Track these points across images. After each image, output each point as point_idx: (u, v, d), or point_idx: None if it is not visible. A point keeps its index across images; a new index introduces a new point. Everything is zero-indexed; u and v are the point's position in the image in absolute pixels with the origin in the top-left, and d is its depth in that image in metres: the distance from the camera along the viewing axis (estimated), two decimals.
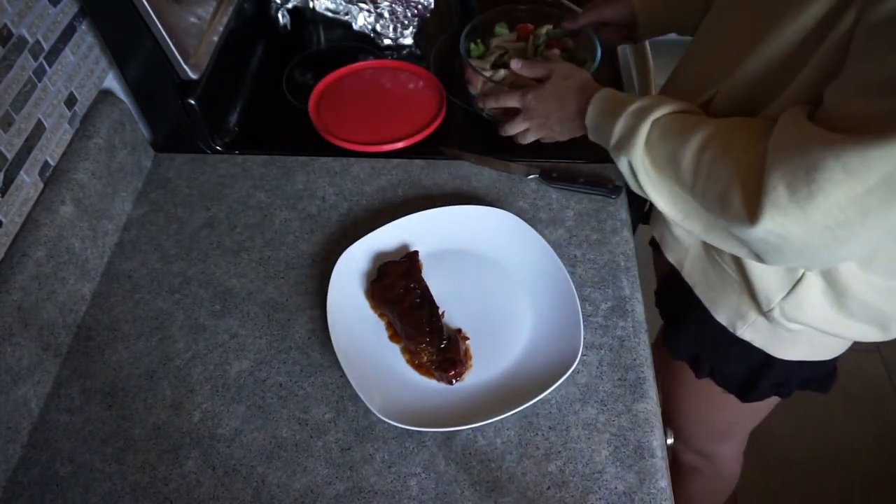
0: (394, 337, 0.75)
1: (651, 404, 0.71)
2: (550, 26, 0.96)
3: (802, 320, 0.69)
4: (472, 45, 0.96)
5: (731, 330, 0.77)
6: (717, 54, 0.70)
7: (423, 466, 0.67)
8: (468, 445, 0.68)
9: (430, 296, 0.75)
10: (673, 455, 1.09)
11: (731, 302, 0.75)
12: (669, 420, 0.99)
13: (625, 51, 1.11)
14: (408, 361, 0.73)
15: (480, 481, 0.66)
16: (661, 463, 0.67)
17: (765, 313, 0.71)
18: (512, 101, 0.84)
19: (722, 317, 0.77)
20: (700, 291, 0.79)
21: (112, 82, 0.90)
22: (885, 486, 1.51)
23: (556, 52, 0.93)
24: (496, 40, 0.97)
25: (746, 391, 0.84)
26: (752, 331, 0.76)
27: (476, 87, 0.92)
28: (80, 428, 0.71)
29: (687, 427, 1.00)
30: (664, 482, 0.66)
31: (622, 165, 0.69)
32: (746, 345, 0.77)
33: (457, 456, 0.68)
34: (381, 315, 0.77)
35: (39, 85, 0.75)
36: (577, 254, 0.82)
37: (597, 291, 0.79)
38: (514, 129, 0.86)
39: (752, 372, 0.81)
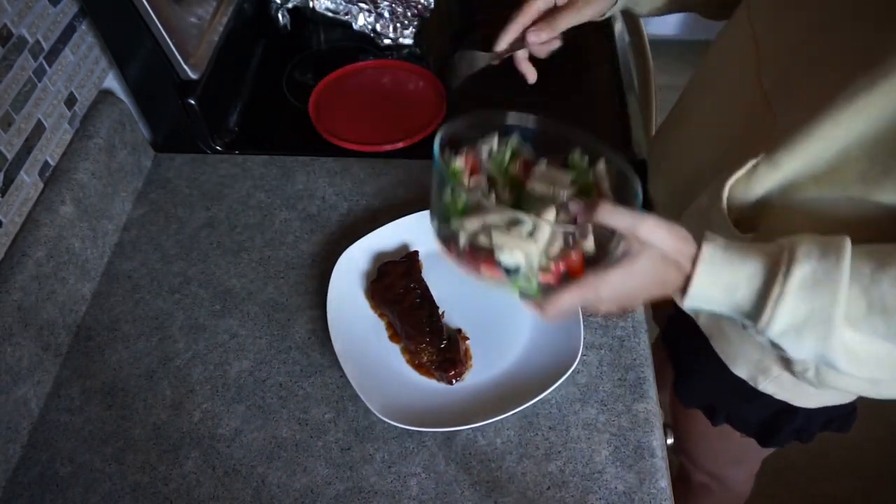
0: (394, 337, 0.75)
1: (651, 404, 0.70)
2: (493, 144, 0.60)
3: (836, 385, 0.65)
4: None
5: (752, 384, 0.72)
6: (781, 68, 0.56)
7: (423, 466, 0.67)
8: (468, 445, 0.68)
9: (430, 296, 0.75)
10: (683, 472, 1.08)
11: (751, 357, 0.71)
12: (679, 447, 0.97)
13: (625, 51, 1.11)
14: (408, 361, 0.73)
15: (480, 481, 0.66)
16: (661, 463, 0.67)
17: (795, 372, 0.66)
18: (573, 300, 0.52)
19: (741, 371, 0.73)
20: (717, 344, 0.73)
21: (112, 82, 0.90)
22: (888, 488, 1.51)
23: (543, 166, 0.59)
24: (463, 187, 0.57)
25: (767, 438, 0.81)
26: (775, 385, 0.71)
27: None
28: (80, 428, 0.71)
29: (697, 454, 0.98)
30: (664, 482, 0.66)
31: (797, 350, 0.51)
32: (768, 397, 0.73)
33: (457, 456, 0.68)
34: (381, 315, 0.77)
35: (39, 85, 0.75)
36: None
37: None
38: (559, 309, 0.54)
39: (772, 418, 0.78)
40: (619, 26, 1.14)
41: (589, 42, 1.12)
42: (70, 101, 0.81)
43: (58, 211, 0.76)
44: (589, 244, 0.52)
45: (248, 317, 0.79)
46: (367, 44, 1.12)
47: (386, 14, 1.10)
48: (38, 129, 0.75)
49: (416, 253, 0.79)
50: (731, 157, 0.61)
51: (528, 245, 0.51)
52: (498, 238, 0.51)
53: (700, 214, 0.64)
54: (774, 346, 0.52)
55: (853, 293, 0.48)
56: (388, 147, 0.95)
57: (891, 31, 0.43)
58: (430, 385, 0.72)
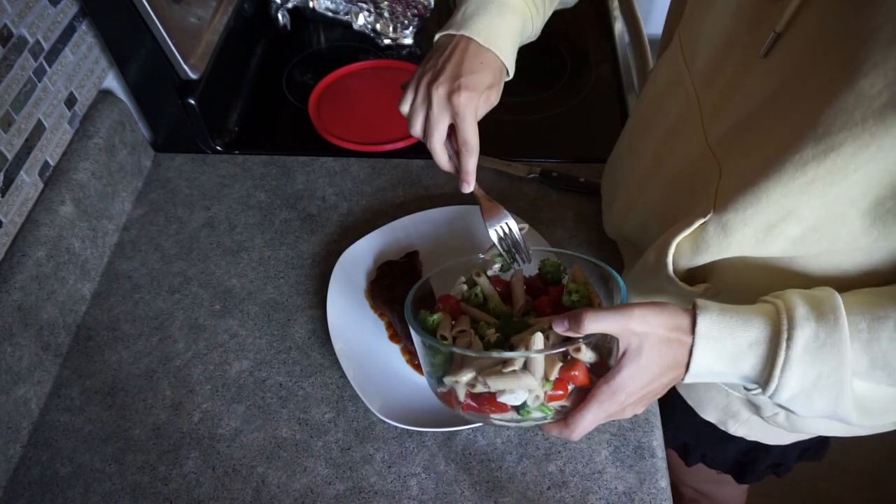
0: (394, 337, 0.75)
1: (651, 404, 0.70)
2: (462, 286, 0.62)
3: (806, 430, 0.66)
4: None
5: (722, 428, 0.73)
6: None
7: (423, 466, 0.67)
8: (468, 445, 0.68)
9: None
10: (672, 486, 1.07)
11: (719, 403, 0.71)
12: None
13: (625, 50, 1.11)
14: (408, 361, 0.73)
15: (480, 481, 0.66)
16: (661, 463, 0.67)
17: (764, 417, 0.67)
18: (596, 418, 0.51)
19: (710, 415, 0.73)
20: (683, 390, 0.73)
21: (112, 82, 0.90)
22: (888, 488, 1.51)
23: (527, 295, 0.62)
24: (444, 330, 0.58)
25: (743, 475, 0.81)
26: (745, 428, 0.71)
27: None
28: (80, 428, 0.71)
29: (681, 474, 0.96)
30: (664, 482, 0.66)
31: (807, 412, 0.50)
32: (739, 439, 0.73)
33: (457, 456, 0.68)
34: (381, 315, 0.77)
35: (39, 85, 0.75)
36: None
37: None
38: (586, 429, 0.52)
39: (747, 456, 0.78)
40: (619, 26, 1.14)
41: (589, 42, 1.12)
42: (70, 101, 0.81)
43: (58, 211, 0.76)
44: (587, 355, 0.51)
45: (248, 317, 0.79)
46: (367, 44, 1.12)
47: (386, 14, 1.10)
48: (38, 129, 0.75)
49: (416, 253, 0.79)
50: (673, 206, 0.60)
51: (527, 379, 0.50)
52: (495, 383, 0.51)
53: (649, 270, 0.62)
54: (782, 406, 0.51)
55: (855, 351, 0.47)
56: (388, 147, 0.95)
57: (838, 103, 0.42)
58: None
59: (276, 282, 0.82)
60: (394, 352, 0.74)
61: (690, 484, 1.01)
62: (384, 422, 0.69)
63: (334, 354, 0.72)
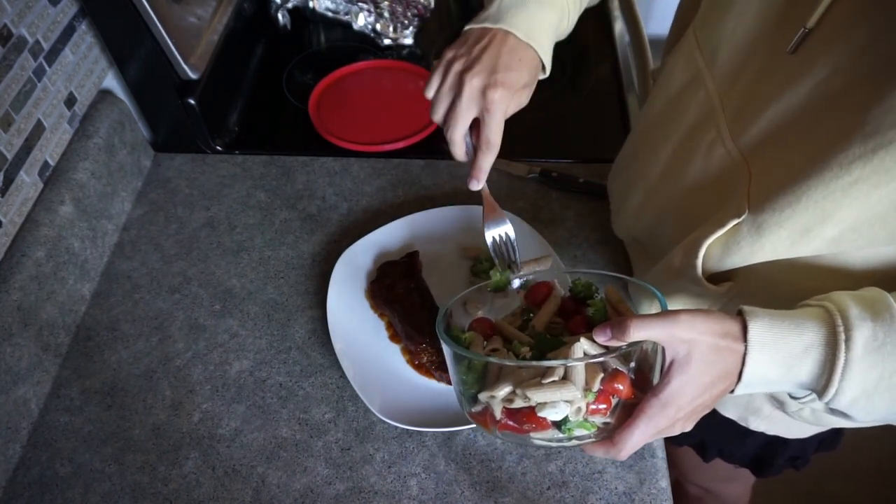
0: (394, 337, 0.75)
1: None
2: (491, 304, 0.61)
3: (831, 422, 0.65)
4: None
5: (743, 424, 0.72)
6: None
7: (423, 466, 0.67)
8: (468, 445, 0.68)
9: (431, 296, 0.75)
10: (676, 482, 1.07)
11: (739, 400, 0.70)
12: (669, 462, 0.96)
13: (625, 50, 1.11)
14: (408, 361, 0.73)
15: (480, 481, 0.66)
16: (661, 463, 0.67)
17: (789, 413, 0.66)
18: (645, 436, 0.48)
19: (730, 412, 0.72)
20: None
21: (112, 82, 0.90)
22: (888, 485, 1.50)
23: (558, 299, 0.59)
24: (476, 348, 0.55)
25: (761, 469, 0.81)
26: (767, 423, 0.71)
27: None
28: (80, 428, 0.70)
29: (689, 472, 0.96)
30: (664, 482, 0.66)
31: (866, 416, 0.48)
32: (759, 434, 0.73)
33: (457, 456, 0.68)
34: (381, 315, 0.77)
35: (39, 85, 0.75)
36: (577, 254, 0.82)
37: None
38: (634, 447, 0.49)
39: (765, 450, 0.78)
40: (619, 26, 1.14)
41: (589, 42, 1.12)
42: (70, 101, 0.81)
43: (57, 211, 0.76)
44: (629, 365, 0.49)
45: (248, 317, 0.78)
46: (367, 44, 1.12)
47: (386, 14, 1.10)
48: (38, 128, 0.75)
49: (416, 253, 0.79)
50: (694, 208, 0.58)
51: (568, 390, 0.47)
52: (535, 395, 0.47)
53: (672, 272, 0.61)
54: (836, 412, 0.48)
55: None
56: (388, 147, 0.95)
57: (888, 101, 0.41)
58: (430, 385, 0.72)
59: (276, 282, 0.81)
60: (394, 352, 0.74)
61: (697, 482, 1.01)
62: (384, 422, 0.69)
63: (334, 354, 0.72)
